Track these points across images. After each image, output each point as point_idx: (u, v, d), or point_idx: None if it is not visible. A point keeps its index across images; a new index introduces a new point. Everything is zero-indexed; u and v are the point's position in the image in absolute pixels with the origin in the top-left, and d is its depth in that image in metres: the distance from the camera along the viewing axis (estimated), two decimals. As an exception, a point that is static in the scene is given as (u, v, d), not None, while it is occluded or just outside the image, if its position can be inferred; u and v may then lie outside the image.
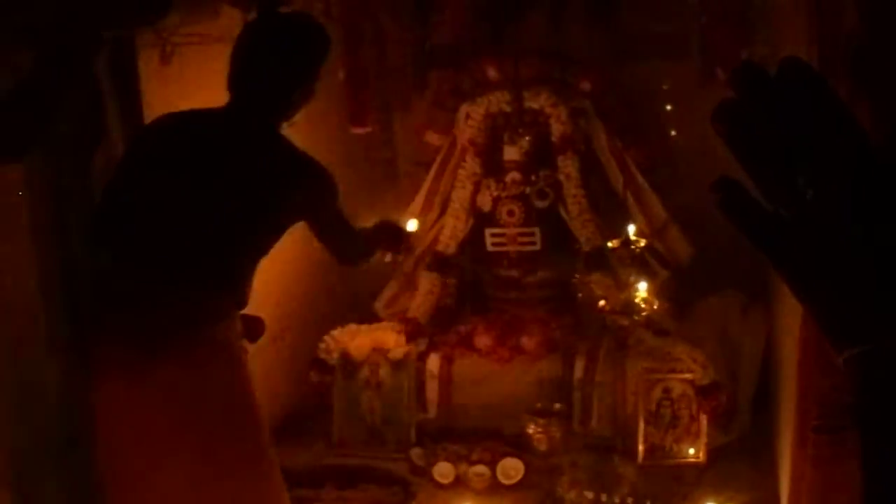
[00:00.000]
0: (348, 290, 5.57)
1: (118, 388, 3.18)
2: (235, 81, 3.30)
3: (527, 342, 4.95)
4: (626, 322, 4.85)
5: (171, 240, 3.19)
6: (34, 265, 3.68)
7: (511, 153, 5.24)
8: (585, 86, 5.19)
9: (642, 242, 4.99)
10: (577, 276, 5.18)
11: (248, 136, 3.27)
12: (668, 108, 5.30)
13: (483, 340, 4.99)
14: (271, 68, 3.27)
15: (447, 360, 4.99)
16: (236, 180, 3.21)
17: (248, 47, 3.30)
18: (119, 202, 3.28)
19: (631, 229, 5.01)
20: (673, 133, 5.35)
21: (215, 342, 3.25)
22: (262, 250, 3.33)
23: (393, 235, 3.96)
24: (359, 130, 4.92)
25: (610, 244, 5.02)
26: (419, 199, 5.43)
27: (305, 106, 3.40)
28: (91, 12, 3.06)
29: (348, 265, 3.95)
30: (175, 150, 3.26)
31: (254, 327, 3.46)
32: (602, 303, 4.93)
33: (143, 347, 3.15)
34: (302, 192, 3.32)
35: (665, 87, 5.29)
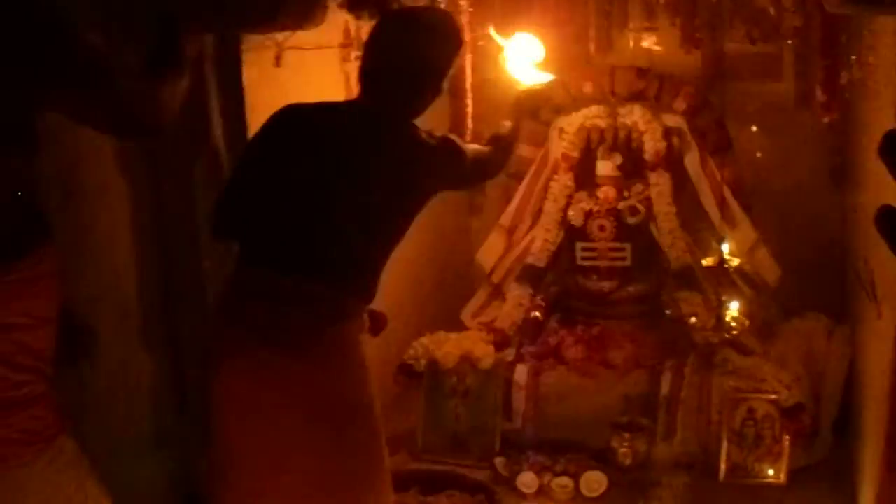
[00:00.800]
0: (436, 298, 5.55)
1: (244, 380, 3.18)
2: (368, 76, 3.33)
3: (614, 356, 4.97)
4: (716, 339, 4.85)
5: (305, 235, 3.17)
6: (133, 264, 3.72)
7: (604, 168, 5.23)
8: (680, 104, 5.14)
9: (735, 262, 4.99)
10: (665, 292, 5.15)
11: (382, 129, 3.27)
12: (763, 128, 5.31)
13: (571, 353, 5.00)
14: (405, 63, 3.28)
15: (534, 372, 4.98)
16: (372, 173, 3.22)
17: (382, 42, 3.34)
18: (247, 194, 3.27)
19: (725, 248, 5.01)
20: (759, 154, 5.36)
21: (343, 341, 3.24)
22: (395, 242, 3.34)
23: (524, 108, 3.96)
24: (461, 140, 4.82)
25: (704, 262, 5.04)
26: (510, 210, 5.42)
27: (434, 101, 3.42)
28: (207, 13, 3.19)
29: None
30: (307, 142, 3.25)
31: (376, 321, 3.43)
32: (693, 319, 4.91)
33: (271, 342, 3.15)
34: (435, 173, 3.36)
35: (759, 107, 5.28)
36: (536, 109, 4.15)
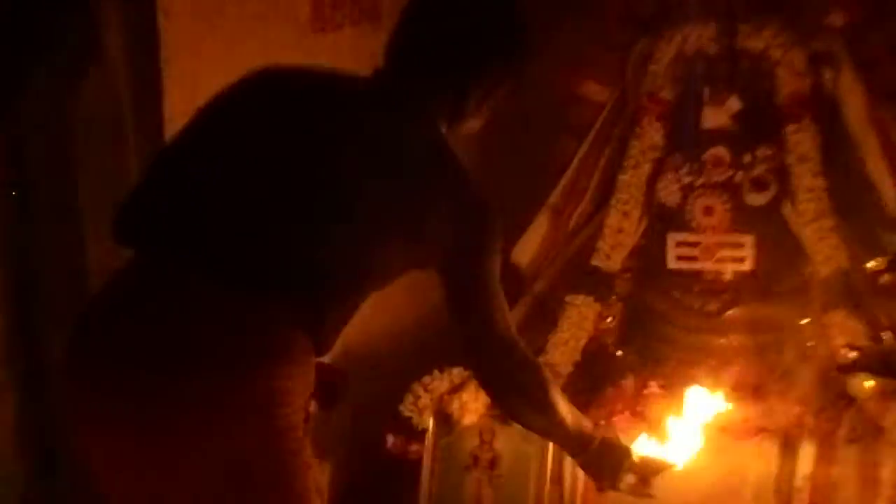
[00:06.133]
0: (444, 314, 4.88)
1: (115, 431, 2.74)
2: (396, 46, 3.04)
3: (725, 413, 4.11)
4: (889, 388, 4.13)
5: (252, 236, 2.80)
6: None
7: (714, 118, 4.64)
8: (837, 18, 4.57)
9: (920, 266, 4.67)
10: (807, 313, 4.55)
11: (399, 116, 2.93)
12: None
13: (658, 406, 4.23)
14: (442, 35, 2.99)
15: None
16: (372, 169, 2.85)
17: (424, 6, 3.09)
18: (182, 179, 2.93)
19: (904, 245, 4.55)
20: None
21: (264, 393, 2.68)
22: (370, 278, 2.92)
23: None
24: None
25: (869, 265, 4.45)
26: (564, 183, 4.91)
27: (486, 112, 3.09)
28: None
29: (486, 370, 3.27)
30: (285, 116, 2.93)
31: (331, 385, 3.00)
32: (851, 355, 4.23)
33: (159, 373, 2.68)
34: (445, 214, 2.91)
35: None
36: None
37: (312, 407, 2.93)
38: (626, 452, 3.40)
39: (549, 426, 3.31)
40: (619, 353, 4.77)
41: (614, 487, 3.42)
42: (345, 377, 3.07)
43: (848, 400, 4.22)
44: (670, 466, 3.49)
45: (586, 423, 3.35)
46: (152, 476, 2.79)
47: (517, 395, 3.27)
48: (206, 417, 2.69)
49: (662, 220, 4.77)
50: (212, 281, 2.73)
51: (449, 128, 3.02)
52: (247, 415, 2.69)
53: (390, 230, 2.87)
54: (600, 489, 3.49)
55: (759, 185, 4.62)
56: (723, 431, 4.16)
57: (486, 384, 3.34)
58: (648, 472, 3.47)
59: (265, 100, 2.97)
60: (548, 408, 3.22)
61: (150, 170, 3.06)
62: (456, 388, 4.46)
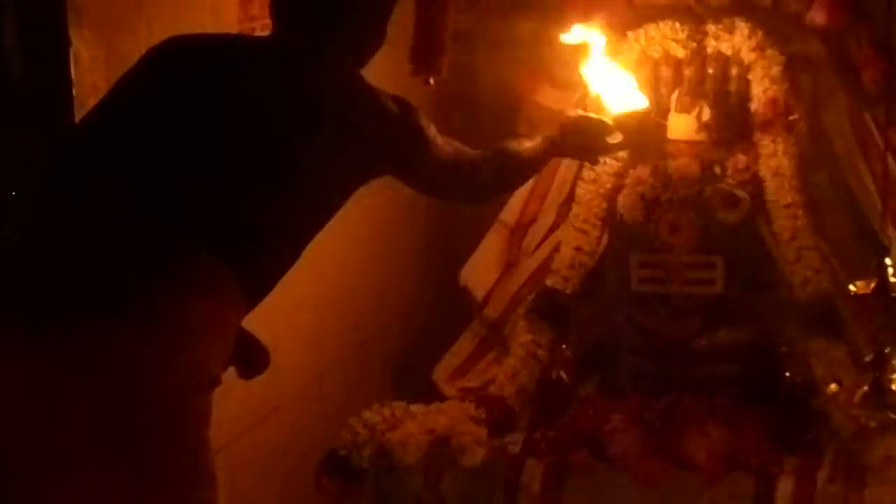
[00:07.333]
0: (388, 343, 5.09)
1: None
2: (282, 4, 3.27)
3: (694, 449, 4.09)
4: (872, 423, 3.93)
5: (180, 193, 2.84)
6: None
7: (680, 127, 4.52)
8: (818, 17, 4.46)
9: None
10: (784, 341, 4.44)
11: (305, 71, 3.08)
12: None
13: (620, 442, 4.13)
14: None
15: (556, 472, 4.12)
16: (291, 122, 2.98)
17: None
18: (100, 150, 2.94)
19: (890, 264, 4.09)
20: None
21: (168, 330, 2.68)
22: (310, 224, 3.04)
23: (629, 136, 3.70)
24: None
25: (852, 288, 3.97)
26: (518, 198, 4.82)
27: (374, 49, 3.26)
28: None
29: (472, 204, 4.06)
30: (201, 85, 3.03)
31: (251, 354, 2.99)
32: (832, 387, 4.13)
33: (37, 323, 2.65)
34: (380, 140, 3.12)
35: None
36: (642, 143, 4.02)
37: (235, 372, 2.94)
38: (598, 119, 3.65)
39: (525, 176, 3.85)
40: (577, 384, 4.60)
41: (607, 152, 3.91)
42: (267, 353, 3.00)
43: (830, 435, 4.12)
44: (643, 109, 3.69)
45: (546, 133, 3.65)
46: (36, 408, 2.70)
47: (499, 192, 4.05)
48: (102, 348, 2.63)
49: (624, 238, 4.60)
50: (130, 212, 2.72)
51: (361, 60, 3.14)
52: (142, 354, 2.63)
53: (319, 170, 2.96)
54: (594, 162, 4.10)
55: (730, 200, 4.50)
56: (689, 466, 4.05)
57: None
58: (630, 124, 3.67)
59: (179, 66, 3.02)
60: (519, 175, 3.72)
61: (67, 140, 3.03)
62: (397, 424, 4.31)
